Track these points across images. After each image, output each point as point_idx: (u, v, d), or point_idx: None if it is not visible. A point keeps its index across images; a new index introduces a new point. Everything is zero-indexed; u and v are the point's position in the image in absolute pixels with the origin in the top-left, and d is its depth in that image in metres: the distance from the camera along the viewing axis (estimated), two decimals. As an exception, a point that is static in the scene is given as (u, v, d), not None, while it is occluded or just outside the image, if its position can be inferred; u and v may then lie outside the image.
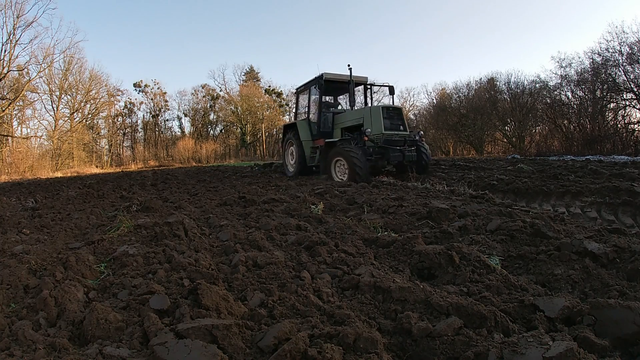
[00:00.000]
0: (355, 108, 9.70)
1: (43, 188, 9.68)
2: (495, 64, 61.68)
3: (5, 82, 23.34)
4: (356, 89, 10.69)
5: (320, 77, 9.65)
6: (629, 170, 6.71)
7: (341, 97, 11.32)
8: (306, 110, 10.73)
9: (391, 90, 9.97)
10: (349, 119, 9.22)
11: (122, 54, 50.46)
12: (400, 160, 8.09)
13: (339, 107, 10.86)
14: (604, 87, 15.62)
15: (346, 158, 7.69)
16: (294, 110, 12.11)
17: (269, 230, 3.47)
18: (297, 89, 11.57)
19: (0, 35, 23.22)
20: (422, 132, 9.14)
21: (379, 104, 10.44)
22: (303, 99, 11.26)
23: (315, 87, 10.17)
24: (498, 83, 23.03)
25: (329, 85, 9.95)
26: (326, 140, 8.88)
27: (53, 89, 27.50)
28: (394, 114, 8.55)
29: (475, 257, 2.36)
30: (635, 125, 14.72)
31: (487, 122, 21.44)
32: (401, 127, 8.50)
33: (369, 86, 10.55)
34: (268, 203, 5.08)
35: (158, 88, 35.74)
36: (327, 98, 10.88)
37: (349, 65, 9.24)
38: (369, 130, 8.05)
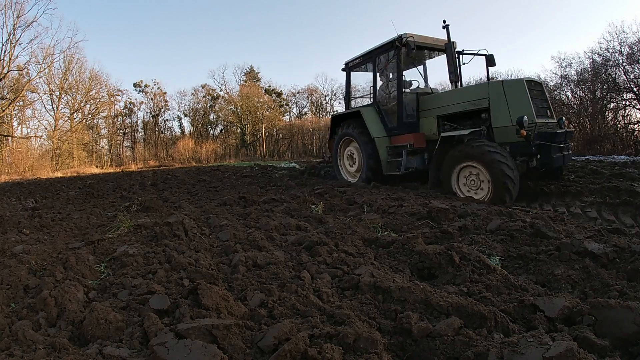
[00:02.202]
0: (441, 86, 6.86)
1: (43, 188, 9.68)
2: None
3: (5, 82, 23.32)
4: (434, 59, 7.44)
5: (400, 39, 6.46)
6: (629, 170, 6.70)
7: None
8: (370, 91, 7.46)
9: (491, 61, 6.71)
10: (455, 101, 6.03)
11: (122, 54, 50.44)
12: (560, 164, 5.32)
13: (415, 86, 7.27)
14: (604, 87, 15.63)
15: (487, 163, 4.80)
16: (343, 95, 8.01)
17: (269, 230, 3.47)
18: (347, 63, 7.95)
19: (0, 35, 23.18)
20: (564, 118, 5.94)
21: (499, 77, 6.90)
22: (360, 77, 8.13)
23: (390, 56, 6.84)
24: (498, 83, 23.00)
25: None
26: (443, 134, 5.67)
27: (53, 89, 27.49)
28: (537, 92, 5.55)
29: (475, 257, 2.36)
30: (635, 125, 14.72)
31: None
32: (548, 113, 5.58)
33: (457, 54, 6.86)
34: (268, 203, 5.08)
35: (158, 88, 35.71)
36: (390, 73, 7.19)
37: (444, 22, 6.15)
38: (526, 118, 5.03)
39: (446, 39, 6.33)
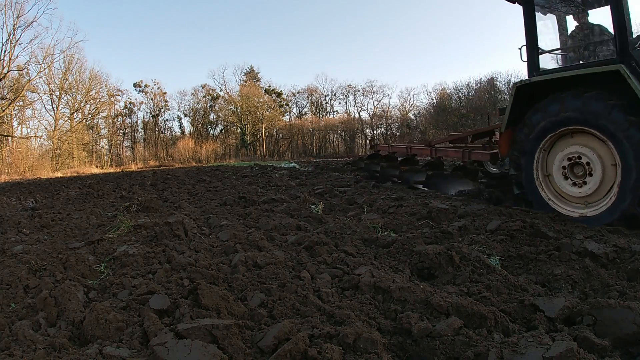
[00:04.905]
0: None
1: (43, 188, 9.68)
2: (495, 64, 61.63)
3: (5, 82, 23.33)
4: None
5: None
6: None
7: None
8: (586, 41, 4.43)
9: None
10: None
11: (122, 54, 50.44)
12: None
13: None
14: (605, 87, 15.59)
15: None
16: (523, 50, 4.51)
17: (269, 230, 3.48)
18: None
19: (0, 35, 23.14)
20: None
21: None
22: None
23: None
24: (498, 83, 23.15)
25: None
26: None
27: (53, 89, 27.49)
28: None
29: (475, 257, 2.36)
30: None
31: (487, 122, 21.50)
32: None
33: None
34: (268, 203, 5.07)
35: (158, 88, 35.68)
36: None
37: None
38: None
39: None
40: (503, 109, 4.81)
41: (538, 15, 4.58)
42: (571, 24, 4.76)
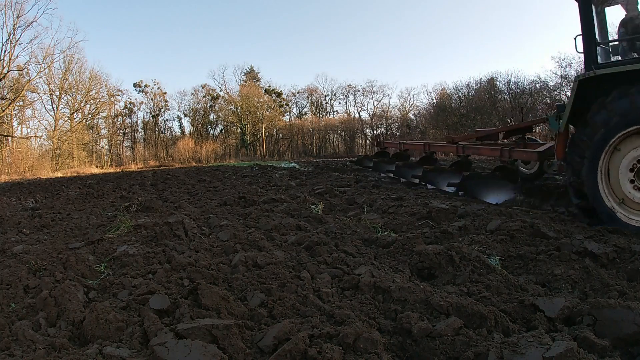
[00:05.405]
0: None
1: (43, 188, 9.67)
2: (495, 64, 61.70)
3: (5, 82, 23.32)
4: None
5: None
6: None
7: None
8: None
9: None
10: None
11: (122, 54, 50.44)
12: None
13: None
14: (605, 87, 15.58)
15: None
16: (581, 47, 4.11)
17: (269, 230, 3.48)
18: None
19: (0, 35, 23.13)
20: None
21: None
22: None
23: None
24: (498, 83, 23.22)
25: None
26: None
27: (53, 89, 27.47)
28: None
29: (475, 257, 2.36)
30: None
31: (487, 122, 21.53)
32: None
33: None
34: (268, 203, 5.07)
35: (158, 88, 35.66)
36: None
37: None
38: None
39: None
40: (561, 106, 4.47)
41: (575, 6, 4.33)
42: (610, 15, 4.56)
